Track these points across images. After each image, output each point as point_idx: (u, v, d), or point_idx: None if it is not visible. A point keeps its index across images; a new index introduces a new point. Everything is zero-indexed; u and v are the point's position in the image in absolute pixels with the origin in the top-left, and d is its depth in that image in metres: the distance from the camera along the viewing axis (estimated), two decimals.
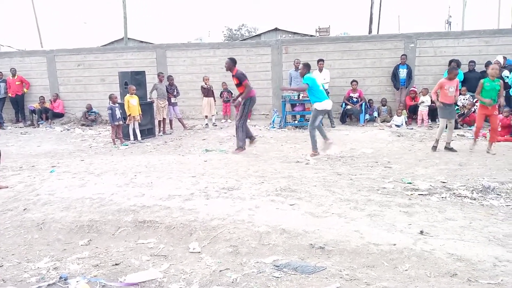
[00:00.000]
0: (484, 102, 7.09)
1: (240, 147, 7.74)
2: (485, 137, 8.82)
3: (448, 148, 7.45)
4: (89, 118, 12.80)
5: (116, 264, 3.36)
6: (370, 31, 20.72)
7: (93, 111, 12.99)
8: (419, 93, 11.02)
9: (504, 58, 10.23)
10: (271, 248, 3.51)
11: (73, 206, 4.66)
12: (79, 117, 13.12)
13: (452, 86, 7.29)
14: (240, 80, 7.56)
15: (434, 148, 7.41)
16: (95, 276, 3.16)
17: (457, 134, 8.76)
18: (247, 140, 7.90)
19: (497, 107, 7.32)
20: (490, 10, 78.21)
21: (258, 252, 3.48)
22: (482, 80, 7.23)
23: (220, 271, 3.17)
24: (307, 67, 7.48)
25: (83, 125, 12.60)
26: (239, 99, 7.67)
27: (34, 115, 13.24)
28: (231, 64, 7.70)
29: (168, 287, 2.98)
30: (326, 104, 7.36)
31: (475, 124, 7.70)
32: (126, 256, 3.52)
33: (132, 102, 9.55)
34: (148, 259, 3.47)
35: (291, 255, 3.41)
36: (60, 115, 13.43)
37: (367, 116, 11.45)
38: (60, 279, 3.11)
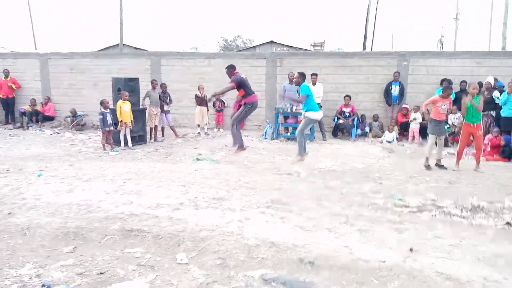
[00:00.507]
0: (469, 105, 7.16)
1: (240, 146, 7.79)
2: (474, 156, 8.91)
3: (439, 165, 7.48)
4: (81, 123, 12.65)
5: (101, 273, 3.28)
6: (364, 48, 20.96)
7: (78, 114, 12.82)
8: (411, 110, 11.12)
9: (495, 79, 10.38)
10: (260, 262, 3.47)
11: (60, 211, 4.58)
12: (69, 122, 12.99)
13: (445, 104, 7.34)
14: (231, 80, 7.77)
15: (428, 167, 7.35)
16: (78, 285, 3.09)
17: (448, 153, 8.82)
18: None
19: (481, 125, 7.39)
20: (482, 32, 79.80)
21: (247, 265, 3.43)
22: (463, 99, 7.38)
23: (207, 283, 3.12)
24: (302, 76, 7.63)
25: (71, 129, 12.49)
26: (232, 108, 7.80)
27: (24, 117, 13.08)
28: (228, 71, 7.93)
29: None
30: (318, 115, 7.62)
31: (459, 144, 7.69)
32: (112, 265, 3.45)
33: (124, 108, 9.48)
34: (134, 269, 3.40)
35: (280, 269, 3.36)
36: (50, 119, 13.29)
37: (359, 131, 11.50)
38: (42, 287, 3.04)
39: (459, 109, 10.40)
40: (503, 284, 3.04)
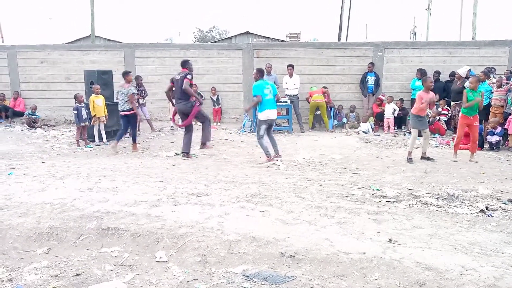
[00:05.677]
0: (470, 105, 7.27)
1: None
2: (448, 145, 9.09)
3: (425, 158, 7.43)
4: (34, 124, 11.83)
5: (77, 275, 3.19)
6: (339, 38, 21.07)
7: (35, 113, 12.29)
8: (385, 100, 11.27)
9: (468, 70, 10.56)
10: (241, 257, 3.44)
11: (32, 211, 4.42)
12: (43, 118, 12.50)
13: (428, 98, 7.37)
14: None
15: (410, 160, 7.28)
16: (54, 287, 2.99)
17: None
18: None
19: (477, 117, 7.47)
20: (453, 22, 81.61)
21: (228, 261, 3.40)
22: (465, 91, 7.44)
23: (188, 281, 3.07)
24: (259, 72, 7.39)
25: (23, 123, 12.01)
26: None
27: None
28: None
29: None
30: (269, 114, 7.26)
31: (456, 136, 7.77)
32: (88, 266, 3.35)
33: (98, 103, 9.24)
34: (112, 268, 3.32)
35: (261, 264, 3.34)
36: (21, 114, 12.80)
37: (336, 122, 11.60)
38: None
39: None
40: (479, 272, 3.10)
